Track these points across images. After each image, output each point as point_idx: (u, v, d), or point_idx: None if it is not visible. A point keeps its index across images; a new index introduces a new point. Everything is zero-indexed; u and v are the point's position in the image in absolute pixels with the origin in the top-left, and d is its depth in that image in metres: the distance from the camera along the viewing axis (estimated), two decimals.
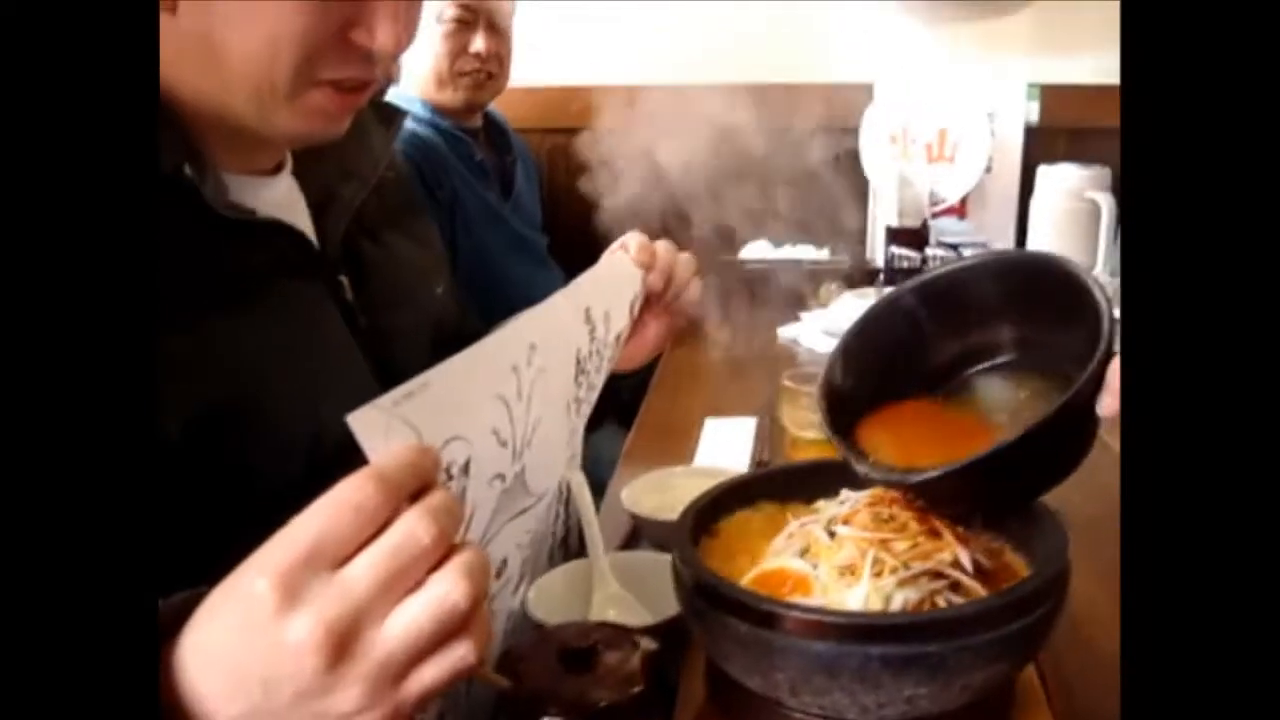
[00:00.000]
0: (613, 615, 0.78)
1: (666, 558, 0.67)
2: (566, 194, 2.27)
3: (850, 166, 2.18)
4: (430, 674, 0.46)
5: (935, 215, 2.12)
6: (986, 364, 0.74)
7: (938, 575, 0.60)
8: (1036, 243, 2.08)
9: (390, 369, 0.80)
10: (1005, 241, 2.20)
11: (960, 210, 2.21)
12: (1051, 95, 2.23)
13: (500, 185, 1.95)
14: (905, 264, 1.95)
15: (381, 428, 0.48)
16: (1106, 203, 1.97)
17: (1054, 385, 0.67)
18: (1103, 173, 2.06)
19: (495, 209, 1.89)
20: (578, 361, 0.78)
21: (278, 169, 0.83)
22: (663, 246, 0.95)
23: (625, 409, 1.38)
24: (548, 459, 0.72)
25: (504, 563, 0.70)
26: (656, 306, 0.96)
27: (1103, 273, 1.93)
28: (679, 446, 1.23)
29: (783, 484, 0.76)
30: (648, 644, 0.65)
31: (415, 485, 0.47)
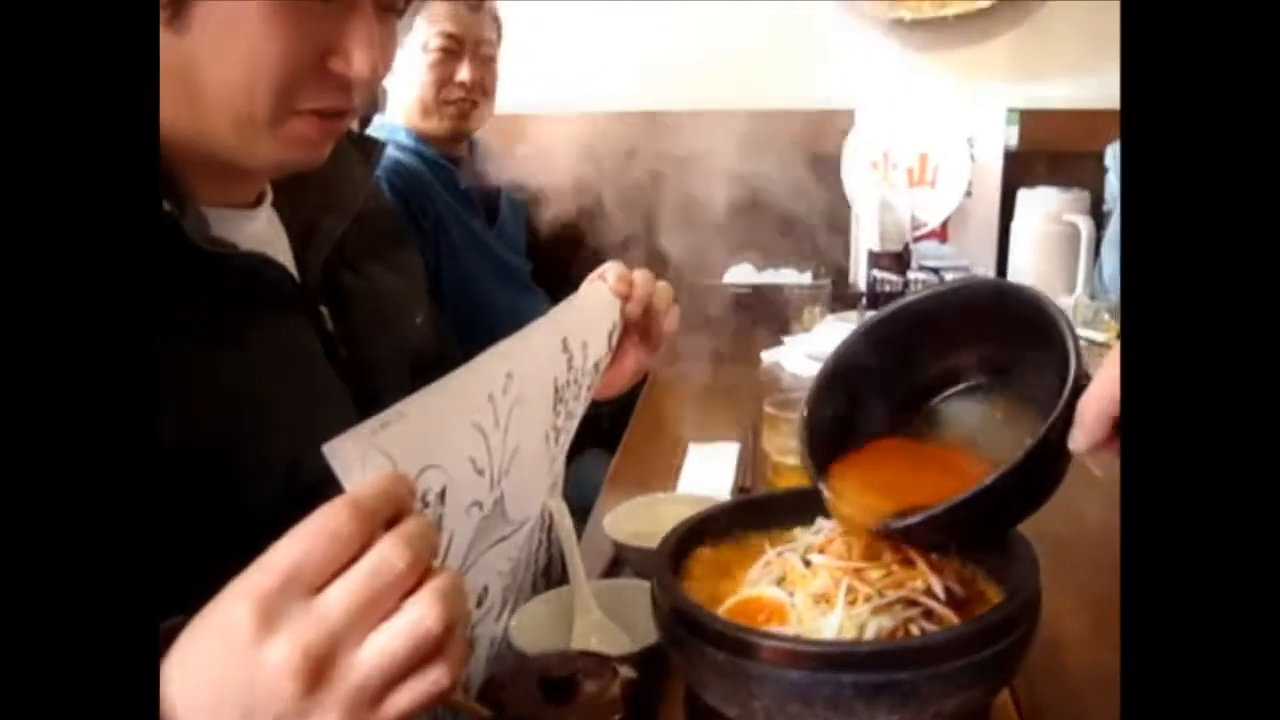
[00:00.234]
0: (595, 643, 0.79)
1: (648, 585, 0.68)
2: (549, 220, 2.28)
3: (832, 191, 2.20)
4: (406, 698, 0.47)
5: (917, 239, 2.14)
6: (961, 386, 0.75)
7: (911, 603, 0.61)
8: (1017, 265, 2.10)
9: (370, 398, 0.81)
10: (987, 264, 2.22)
11: (941, 234, 2.23)
12: (1030, 120, 2.25)
13: (484, 212, 1.96)
14: (887, 287, 1.96)
15: (358, 457, 0.49)
16: (1085, 226, 1.99)
17: (1027, 408, 0.68)
18: (1081, 196, 2.08)
19: (479, 236, 1.90)
20: (555, 390, 0.78)
21: (257, 202, 0.83)
22: (640, 276, 0.96)
23: (607, 435, 1.39)
24: (527, 487, 0.73)
25: (485, 590, 0.70)
26: (635, 335, 0.97)
27: (1082, 295, 1.95)
28: (663, 470, 1.23)
29: (762, 512, 0.77)
30: (627, 672, 0.65)
31: (390, 512, 0.48)
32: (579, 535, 0.93)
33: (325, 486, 0.48)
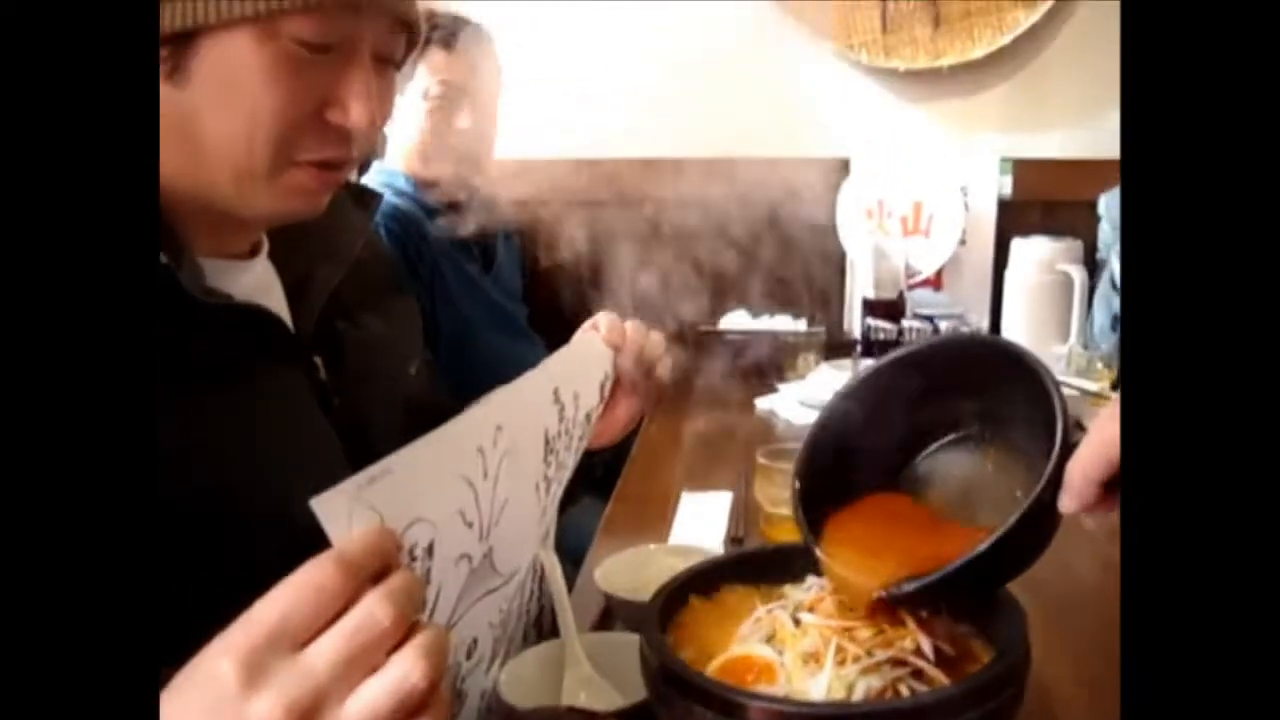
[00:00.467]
0: (584, 698, 0.78)
1: (638, 639, 0.68)
2: (546, 266, 2.29)
3: (827, 239, 2.21)
4: None
5: (911, 287, 2.14)
6: (952, 436, 0.76)
7: (900, 663, 0.61)
8: (1011, 314, 2.11)
9: (363, 449, 0.81)
10: (981, 313, 2.23)
11: (936, 282, 2.24)
12: (1024, 169, 2.27)
13: (481, 257, 1.97)
14: (882, 335, 1.96)
15: (345, 512, 0.49)
16: (1079, 275, 2.00)
17: (1018, 458, 0.69)
18: (1074, 245, 2.10)
19: (475, 281, 1.91)
20: (546, 441, 0.78)
21: (253, 252, 0.84)
22: (633, 326, 0.96)
23: (600, 483, 1.39)
24: (517, 539, 0.73)
25: (474, 642, 0.70)
26: (627, 385, 0.97)
27: (1076, 344, 1.95)
28: (657, 518, 1.23)
29: (752, 567, 0.77)
30: None
31: (377, 567, 0.48)
32: (572, 583, 0.93)
33: (314, 539, 0.48)
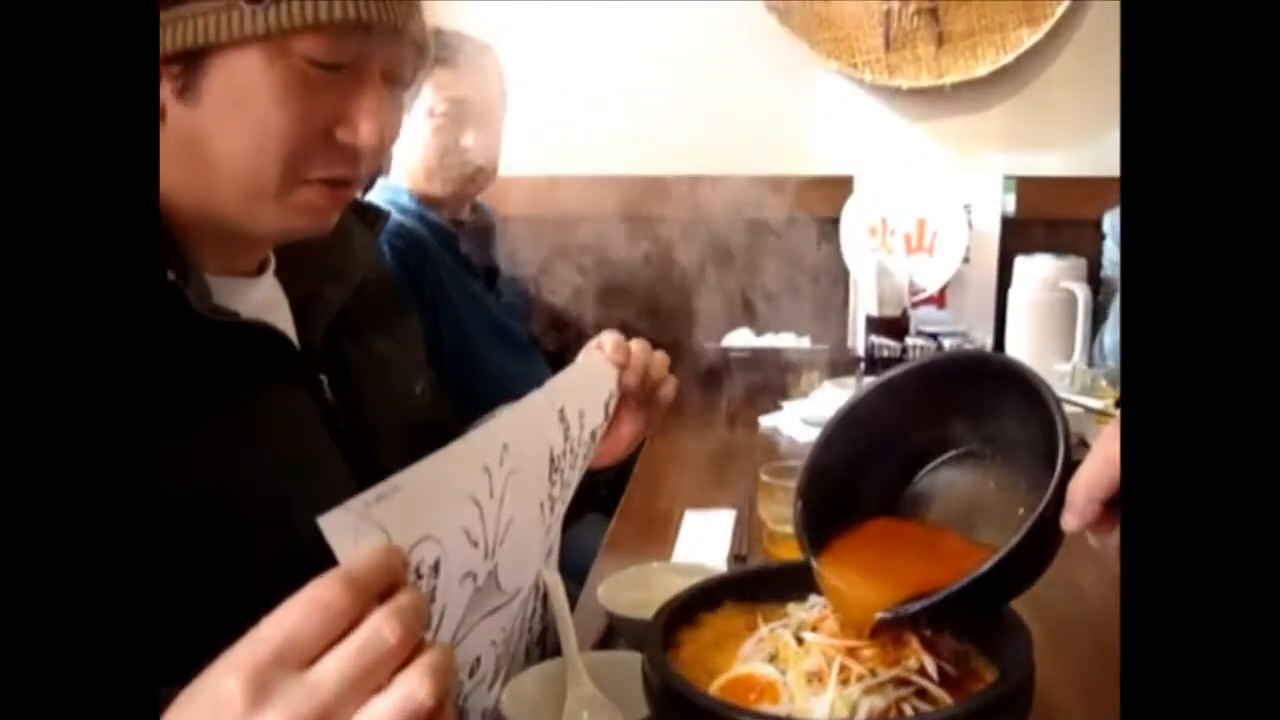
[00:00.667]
0: (586, 717, 0.78)
1: (640, 658, 0.68)
2: (550, 283, 2.30)
3: (831, 257, 2.22)
4: None
5: (915, 305, 2.15)
6: (953, 452, 0.76)
7: (904, 682, 0.61)
8: (1015, 331, 2.11)
9: (369, 468, 0.81)
10: (985, 330, 2.23)
11: (940, 300, 2.24)
12: (1027, 187, 2.27)
13: (485, 275, 1.97)
14: (885, 353, 1.96)
15: (351, 529, 0.49)
16: (1082, 292, 2.00)
17: (1019, 475, 0.69)
18: (1078, 263, 2.10)
19: (479, 299, 1.91)
20: (552, 460, 0.78)
21: (260, 270, 0.84)
22: (637, 345, 0.96)
23: (604, 500, 1.39)
24: (521, 557, 0.73)
25: (477, 661, 0.70)
26: (632, 404, 0.97)
27: (1080, 362, 1.95)
28: (660, 536, 1.23)
29: (755, 585, 0.77)
30: None
31: (384, 585, 0.48)
32: (574, 601, 0.93)
33: (320, 557, 0.48)
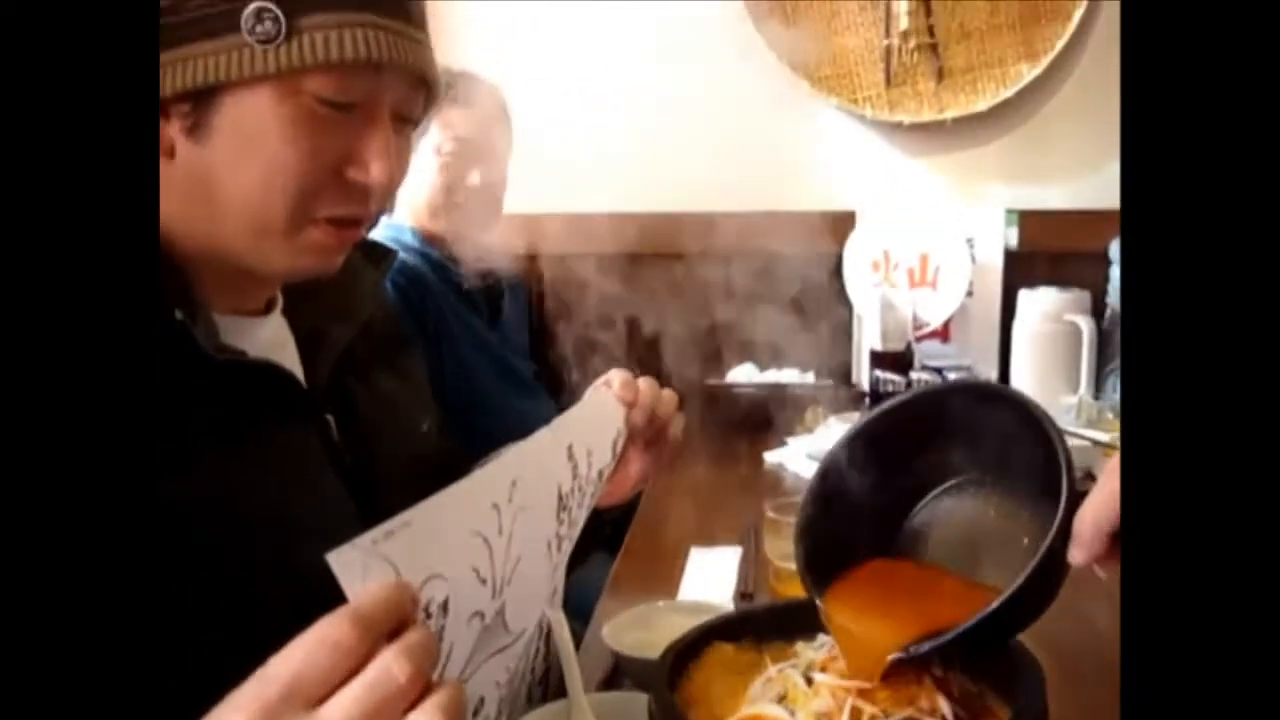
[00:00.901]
0: None
1: (646, 699, 0.67)
2: (554, 320, 2.30)
3: (834, 292, 2.22)
4: None
5: (919, 339, 2.15)
6: (951, 482, 0.75)
7: None
8: (1019, 365, 2.11)
9: (375, 506, 0.80)
10: (989, 364, 2.23)
11: (943, 334, 2.25)
12: (1030, 221, 2.28)
13: (488, 312, 1.97)
14: (890, 387, 1.97)
15: (360, 566, 0.49)
16: (1086, 325, 2.01)
17: (1021, 505, 0.69)
18: (1082, 296, 2.10)
19: (482, 336, 1.91)
20: (560, 498, 0.78)
21: (268, 309, 0.84)
22: (645, 384, 0.96)
23: (609, 542, 1.38)
24: (528, 596, 0.72)
25: (481, 701, 0.69)
26: (639, 442, 0.97)
27: (1085, 394, 1.95)
28: (665, 574, 1.22)
29: (762, 624, 0.76)
30: None
31: (393, 623, 0.48)
32: (579, 640, 0.92)
33: (327, 596, 0.47)
